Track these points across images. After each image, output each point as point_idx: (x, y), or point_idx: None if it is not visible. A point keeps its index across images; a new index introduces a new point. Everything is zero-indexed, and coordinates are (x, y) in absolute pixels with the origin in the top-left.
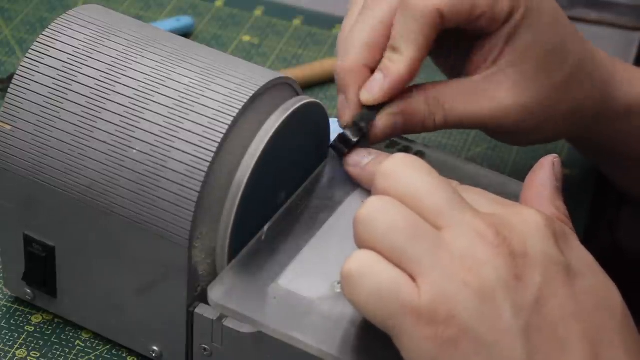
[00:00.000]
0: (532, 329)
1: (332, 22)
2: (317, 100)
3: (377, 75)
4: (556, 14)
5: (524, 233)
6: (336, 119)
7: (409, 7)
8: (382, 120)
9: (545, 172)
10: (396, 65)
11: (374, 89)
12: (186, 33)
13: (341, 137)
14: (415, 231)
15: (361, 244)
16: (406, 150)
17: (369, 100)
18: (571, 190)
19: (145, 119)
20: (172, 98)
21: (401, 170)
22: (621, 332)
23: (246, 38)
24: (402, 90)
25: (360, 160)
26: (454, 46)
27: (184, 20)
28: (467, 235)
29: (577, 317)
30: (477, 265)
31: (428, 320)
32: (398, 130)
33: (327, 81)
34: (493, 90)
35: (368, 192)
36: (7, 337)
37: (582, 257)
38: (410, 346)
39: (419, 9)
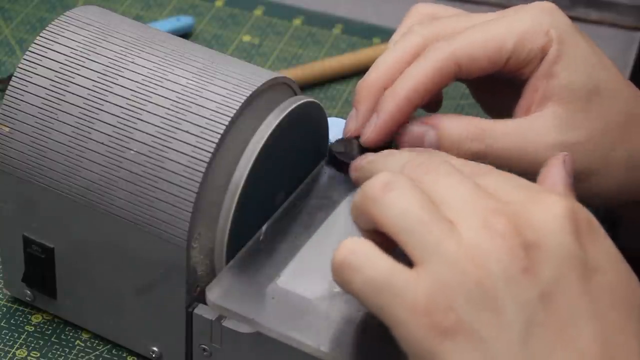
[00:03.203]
0: (536, 326)
1: (332, 22)
2: (315, 100)
3: (373, 117)
4: (593, 48)
5: (540, 223)
6: (335, 119)
7: (427, 50)
8: (406, 129)
9: (556, 169)
10: (388, 104)
11: (368, 130)
12: (186, 33)
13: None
14: (428, 218)
15: (366, 219)
16: None
17: (365, 141)
18: None
19: (142, 120)
20: (169, 99)
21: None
22: None
23: (246, 38)
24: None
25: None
26: (500, 92)
27: (184, 20)
28: (476, 225)
29: (590, 315)
30: (481, 256)
31: (424, 310)
32: (419, 144)
33: (327, 81)
34: (538, 128)
35: None
36: (7, 337)
37: (606, 252)
38: (406, 336)
39: (435, 55)
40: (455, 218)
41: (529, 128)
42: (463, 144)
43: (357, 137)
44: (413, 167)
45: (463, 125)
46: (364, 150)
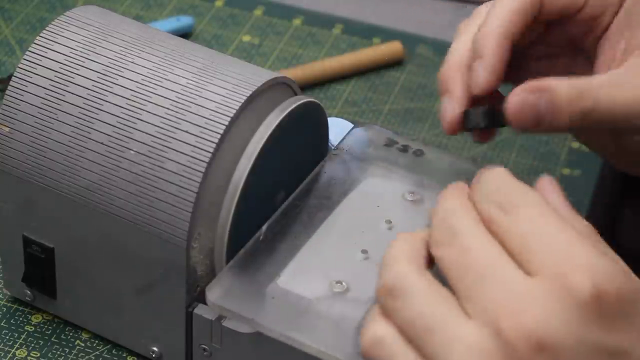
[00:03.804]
0: None
1: (332, 22)
2: (315, 100)
3: (475, 63)
4: None
5: (551, 318)
6: (335, 119)
7: None
8: (515, 99)
9: (550, 194)
10: (486, 42)
11: (478, 76)
12: (186, 33)
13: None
14: (443, 321)
15: (384, 310)
16: (405, 149)
17: (480, 85)
18: (571, 190)
19: (142, 120)
20: (169, 99)
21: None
22: None
23: (246, 38)
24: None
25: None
26: (573, 54)
27: (184, 20)
28: (486, 328)
29: None
30: None
31: None
32: (535, 114)
33: (327, 81)
34: (633, 77)
35: (366, 192)
36: (7, 337)
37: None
38: None
39: None
40: (467, 309)
41: (624, 79)
42: (574, 104)
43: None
44: (435, 241)
45: (570, 83)
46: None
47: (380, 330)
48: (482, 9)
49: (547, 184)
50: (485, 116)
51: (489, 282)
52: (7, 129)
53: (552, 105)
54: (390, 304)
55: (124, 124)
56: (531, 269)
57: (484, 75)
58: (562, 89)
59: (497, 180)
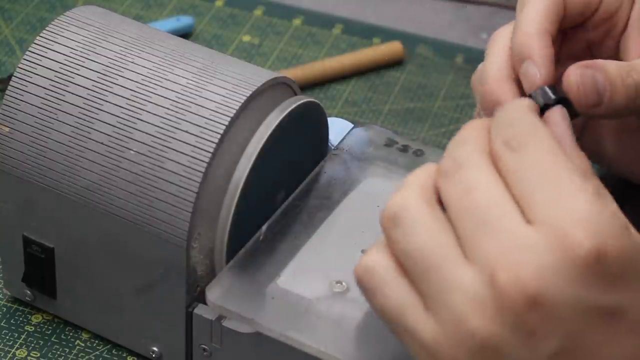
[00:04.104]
0: None
1: (332, 22)
2: (315, 100)
3: (525, 65)
4: None
5: (548, 274)
6: (335, 119)
7: None
8: (574, 73)
9: (558, 125)
10: (529, 43)
11: (534, 75)
12: (186, 33)
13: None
14: (435, 259)
15: (386, 240)
16: (405, 149)
17: (534, 87)
18: None
19: (142, 120)
20: (169, 99)
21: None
22: None
23: (246, 38)
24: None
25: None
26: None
27: (184, 20)
28: (482, 276)
29: None
30: (484, 315)
31: (431, 353)
32: (595, 88)
33: (327, 81)
34: None
35: (366, 192)
36: (7, 337)
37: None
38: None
39: None
40: (467, 252)
41: None
42: (626, 79)
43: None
44: (442, 171)
45: (615, 62)
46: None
47: (375, 258)
48: (502, 31)
49: (557, 113)
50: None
51: (489, 229)
52: (7, 129)
53: (608, 81)
54: (392, 233)
55: (124, 124)
56: (532, 216)
57: (539, 72)
58: (612, 66)
59: (512, 113)
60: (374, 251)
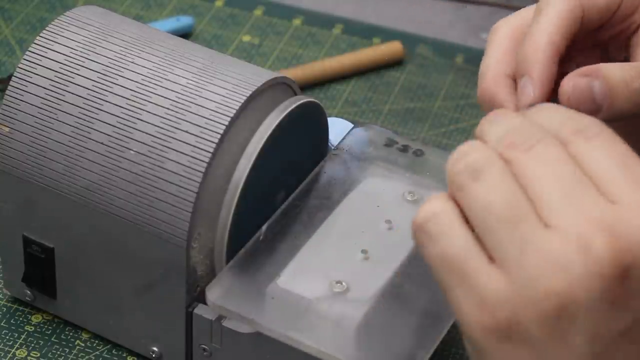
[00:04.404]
0: None
1: (332, 22)
2: (315, 100)
3: (523, 80)
4: None
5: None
6: (335, 119)
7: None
8: (566, 84)
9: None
10: (535, 56)
11: (527, 94)
12: (186, 33)
13: None
14: (513, 219)
15: (450, 190)
16: (405, 149)
17: (525, 105)
18: None
19: (142, 120)
20: (169, 99)
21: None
22: None
23: (246, 38)
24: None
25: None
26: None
27: (184, 20)
28: (571, 239)
29: None
30: (568, 279)
31: (490, 312)
32: (589, 97)
33: (327, 81)
34: None
35: (366, 192)
36: (7, 337)
37: None
38: (464, 323)
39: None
40: (548, 219)
41: None
42: (631, 84)
43: None
44: (511, 144)
45: (621, 65)
46: None
47: (440, 205)
48: (501, 24)
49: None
50: None
51: (575, 200)
52: (7, 129)
53: (607, 88)
54: (466, 182)
55: (124, 124)
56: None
57: (534, 92)
58: (615, 70)
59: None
60: (437, 200)
